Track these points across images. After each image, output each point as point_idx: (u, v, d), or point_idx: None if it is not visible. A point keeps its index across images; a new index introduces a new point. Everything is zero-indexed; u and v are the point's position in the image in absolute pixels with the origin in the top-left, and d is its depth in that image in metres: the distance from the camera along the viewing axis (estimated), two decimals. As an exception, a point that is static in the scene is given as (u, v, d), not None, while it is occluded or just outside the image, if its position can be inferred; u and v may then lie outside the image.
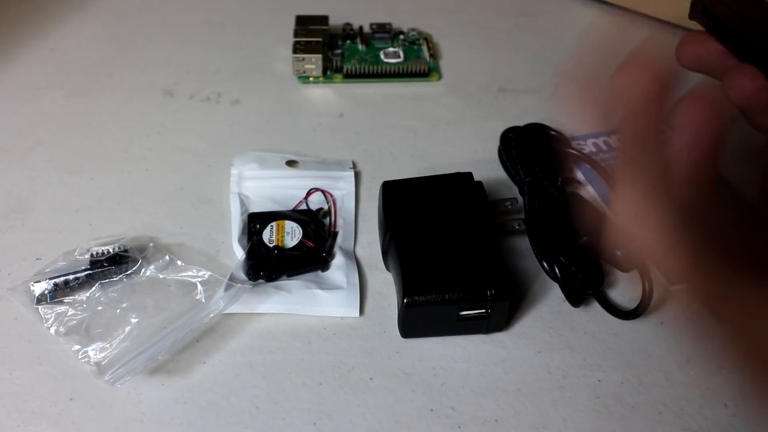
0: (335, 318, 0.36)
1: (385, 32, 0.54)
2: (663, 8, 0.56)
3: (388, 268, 0.38)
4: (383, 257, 0.38)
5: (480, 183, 0.39)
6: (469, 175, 0.39)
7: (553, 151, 0.43)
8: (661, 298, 0.38)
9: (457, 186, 0.38)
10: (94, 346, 0.33)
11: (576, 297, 0.36)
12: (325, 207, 0.41)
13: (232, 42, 0.55)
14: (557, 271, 0.36)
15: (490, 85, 0.52)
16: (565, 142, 0.45)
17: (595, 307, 0.37)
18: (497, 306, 0.34)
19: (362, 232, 0.41)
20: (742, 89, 0.30)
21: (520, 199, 0.41)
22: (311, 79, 0.51)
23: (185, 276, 0.37)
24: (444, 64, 0.53)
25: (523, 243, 0.39)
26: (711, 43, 0.32)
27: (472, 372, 0.34)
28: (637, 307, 0.35)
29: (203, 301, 0.36)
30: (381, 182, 0.39)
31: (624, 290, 0.38)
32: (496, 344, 0.35)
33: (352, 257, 0.39)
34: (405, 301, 0.33)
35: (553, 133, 0.45)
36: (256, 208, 0.41)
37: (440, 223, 0.36)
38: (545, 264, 0.36)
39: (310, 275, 0.38)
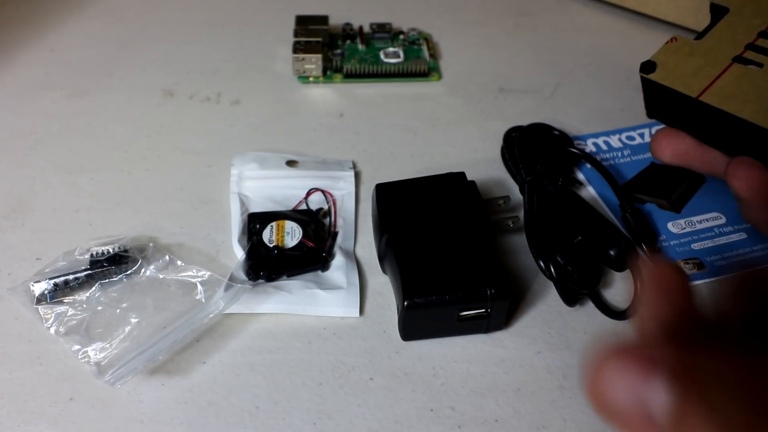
0: (335, 318, 0.36)
1: (385, 32, 0.54)
2: (663, 8, 0.56)
3: (384, 271, 0.38)
4: (380, 261, 0.38)
5: (473, 182, 0.39)
6: (462, 174, 0.39)
7: (555, 150, 0.43)
8: (661, 298, 0.38)
9: (451, 186, 0.38)
10: (94, 346, 0.33)
11: (571, 296, 0.36)
12: (325, 207, 0.41)
13: (232, 42, 0.55)
14: (553, 270, 0.36)
15: (490, 85, 0.52)
16: (568, 141, 0.45)
17: (595, 307, 0.37)
18: (497, 305, 0.34)
19: (362, 232, 0.41)
20: (750, 180, 0.30)
21: (513, 197, 0.41)
22: (311, 79, 0.51)
23: (185, 276, 0.37)
24: (444, 64, 0.53)
25: (518, 241, 0.39)
26: (684, 137, 0.33)
27: (472, 372, 0.34)
28: (629, 308, 0.35)
29: (203, 301, 0.36)
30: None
31: (624, 290, 0.38)
32: (496, 344, 0.35)
33: (352, 257, 0.39)
34: (405, 303, 0.33)
35: (556, 132, 0.45)
36: (256, 208, 0.41)
37: (436, 224, 0.36)
38: (541, 263, 0.36)
39: (310, 275, 0.38)
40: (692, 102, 0.31)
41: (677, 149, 0.33)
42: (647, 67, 0.33)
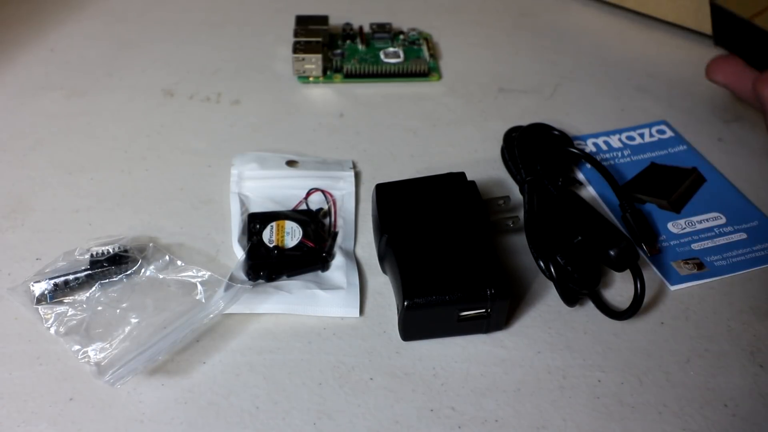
0: (335, 318, 0.36)
1: (385, 32, 0.54)
2: (663, 8, 0.56)
3: (384, 271, 0.38)
4: (379, 261, 0.38)
5: (473, 182, 0.39)
6: (462, 174, 0.39)
7: (555, 150, 0.43)
8: (661, 298, 0.38)
9: (451, 186, 0.38)
10: (94, 346, 0.33)
11: (571, 296, 0.36)
12: (325, 207, 0.41)
13: (232, 42, 0.55)
14: (553, 270, 0.36)
15: (490, 85, 0.52)
16: (568, 141, 0.45)
17: (595, 307, 0.37)
18: (497, 305, 0.34)
19: (362, 232, 0.41)
20: None
21: (513, 197, 0.41)
22: (311, 79, 0.51)
23: (185, 276, 0.37)
24: (444, 64, 0.53)
25: (518, 241, 0.39)
26: (737, 63, 0.38)
27: (472, 372, 0.34)
28: (629, 308, 0.35)
29: (203, 301, 0.36)
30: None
31: (623, 290, 0.38)
32: (496, 344, 0.35)
33: (352, 257, 0.39)
34: (405, 303, 0.33)
35: (556, 132, 0.45)
36: (256, 208, 0.41)
37: (436, 224, 0.36)
38: (541, 263, 0.36)
39: (310, 275, 0.38)
40: (745, 24, 0.35)
41: (729, 72, 0.38)
42: None
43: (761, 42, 0.35)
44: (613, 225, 0.37)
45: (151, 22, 0.57)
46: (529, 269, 0.38)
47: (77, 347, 0.33)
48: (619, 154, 0.46)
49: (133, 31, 0.56)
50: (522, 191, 0.41)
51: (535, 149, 0.42)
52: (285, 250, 0.38)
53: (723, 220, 0.41)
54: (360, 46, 0.53)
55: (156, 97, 0.49)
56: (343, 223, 0.41)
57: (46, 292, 0.35)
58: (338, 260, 0.38)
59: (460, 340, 0.35)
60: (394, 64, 0.51)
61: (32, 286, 0.35)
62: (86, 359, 0.33)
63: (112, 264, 0.36)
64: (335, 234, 0.40)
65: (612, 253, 0.35)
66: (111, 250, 0.37)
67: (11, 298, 0.36)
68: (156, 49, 0.54)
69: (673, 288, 0.38)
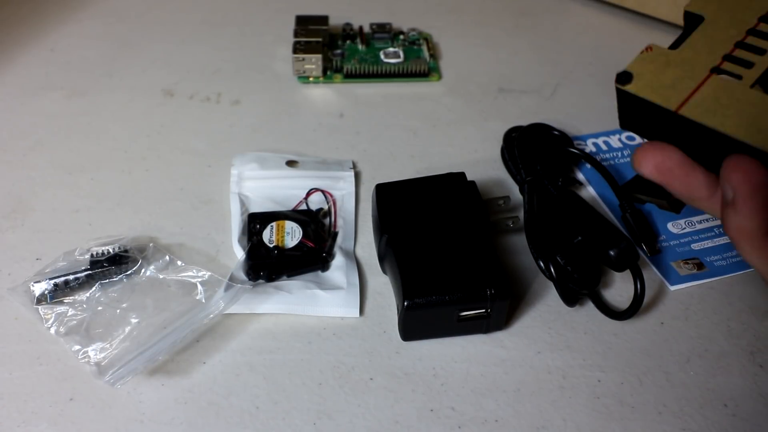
0: (335, 318, 0.36)
1: (385, 32, 0.54)
2: (663, 8, 0.56)
3: (384, 271, 0.38)
4: (379, 261, 0.38)
5: (473, 182, 0.39)
6: (462, 174, 0.39)
7: (555, 150, 0.43)
8: (661, 298, 0.38)
9: (451, 186, 0.38)
10: (94, 346, 0.33)
11: (571, 297, 0.36)
12: (325, 207, 0.41)
13: (232, 42, 0.55)
14: (553, 270, 0.36)
15: (490, 85, 0.52)
16: (568, 141, 0.45)
17: (595, 307, 0.37)
18: (497, 305, 0.34)
19: (362, 233, 0.41)
20: (750, 176, 0.27)
21: (513, 197, 0.41)
22: (311, 79, 0.51)
23: (185, 276, 0.37)
24: (444, 64, 0.53)
25: (518, 241, 0.39)
26: (671, 154, 0.30)
27: (472, 372, 0.34)
28: (629, 308, 0.35)
29: (203, 301, 0.36)
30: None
31: (623, 290, 0.38)
32: (496, 344, 0.35)
33: (352, 257, 0.39)
34: (405, 303, 0.33)
35: (556, 132, 0.45)
36: (256, 208, 0.41)
37: (436, 224, 0.36)
38: (541, 263, 0.36)
39: (310, 275, 0.38)
40: (671, 115, 0.30)
41: (662, 165, 0.30)
42: (623, 77, 0.32)
43: (693, 135, 0.29)
44: (613, 225, 0.37)
45: (151, 22, 0.57)
46: (529, 269, 0.38)
47: (77, 347, 0.33)
48: (619, 154, 0.46)
49: (133, 31, 0.56)
50: (522, 191, 0.41)
51: (535, 149, 0.42)
52: (285, 250, 0.38)
53: (723, 220, 0.41)
54: (360, 46, 0.53)
55: (156, 97, 0.49)
56: (343, 223, 0.41)
57: (46, 292, 0.35)
58: (338, 260, 0.38)
59: (460, 340, 0.35)
60: (394, 64, 0.51)
61: (32, 286, 0.35)
62: (86, 359, 0.33)
63: (112, 264, 0.36)
64: (335, 234, 0.40)
65: (612, 253, 0.35)
66: (111, 250, 0.37)
67: (11, 298, 0.36)
68: (156, 49, 0.54)
69: (672, 288, 0.38)
